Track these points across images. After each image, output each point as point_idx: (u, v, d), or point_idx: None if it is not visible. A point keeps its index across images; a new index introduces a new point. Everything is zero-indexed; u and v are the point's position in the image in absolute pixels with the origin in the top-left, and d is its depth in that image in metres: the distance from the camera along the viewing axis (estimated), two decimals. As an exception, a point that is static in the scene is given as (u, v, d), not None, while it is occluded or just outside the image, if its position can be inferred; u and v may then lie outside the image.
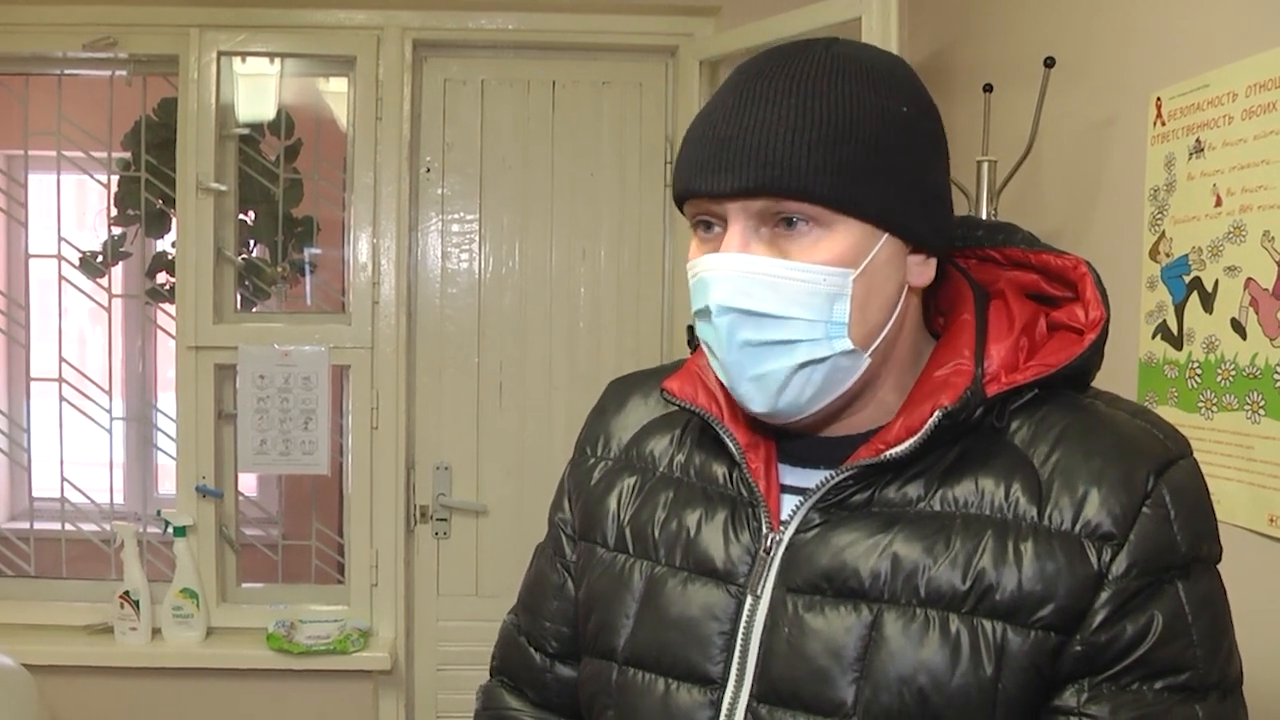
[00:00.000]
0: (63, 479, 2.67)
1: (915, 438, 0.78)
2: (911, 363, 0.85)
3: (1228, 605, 0.79)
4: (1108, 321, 0.82)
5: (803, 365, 0.78)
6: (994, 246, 0.88)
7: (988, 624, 0.75)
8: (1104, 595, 0.74)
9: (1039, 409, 0.80)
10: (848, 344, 0.78)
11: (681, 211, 0.83)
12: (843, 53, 0.79)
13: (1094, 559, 0.74)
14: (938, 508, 0.78)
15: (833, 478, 0.81)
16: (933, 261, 0.83)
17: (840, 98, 0.76)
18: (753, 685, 0.80)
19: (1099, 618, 0.74)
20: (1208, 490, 0.79)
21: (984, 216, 1.80)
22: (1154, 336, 1.53)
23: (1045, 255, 0.86)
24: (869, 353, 0.79)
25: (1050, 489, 0.76)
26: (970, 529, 0.77)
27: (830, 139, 0.74)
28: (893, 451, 0.79)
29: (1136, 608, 0.74)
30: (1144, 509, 0.74)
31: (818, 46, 0.80)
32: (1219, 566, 0.80)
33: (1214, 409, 1.40)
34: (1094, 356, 0.82)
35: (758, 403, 0.80)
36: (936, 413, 0.77)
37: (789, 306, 0.77)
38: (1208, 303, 1.41)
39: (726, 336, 0.78)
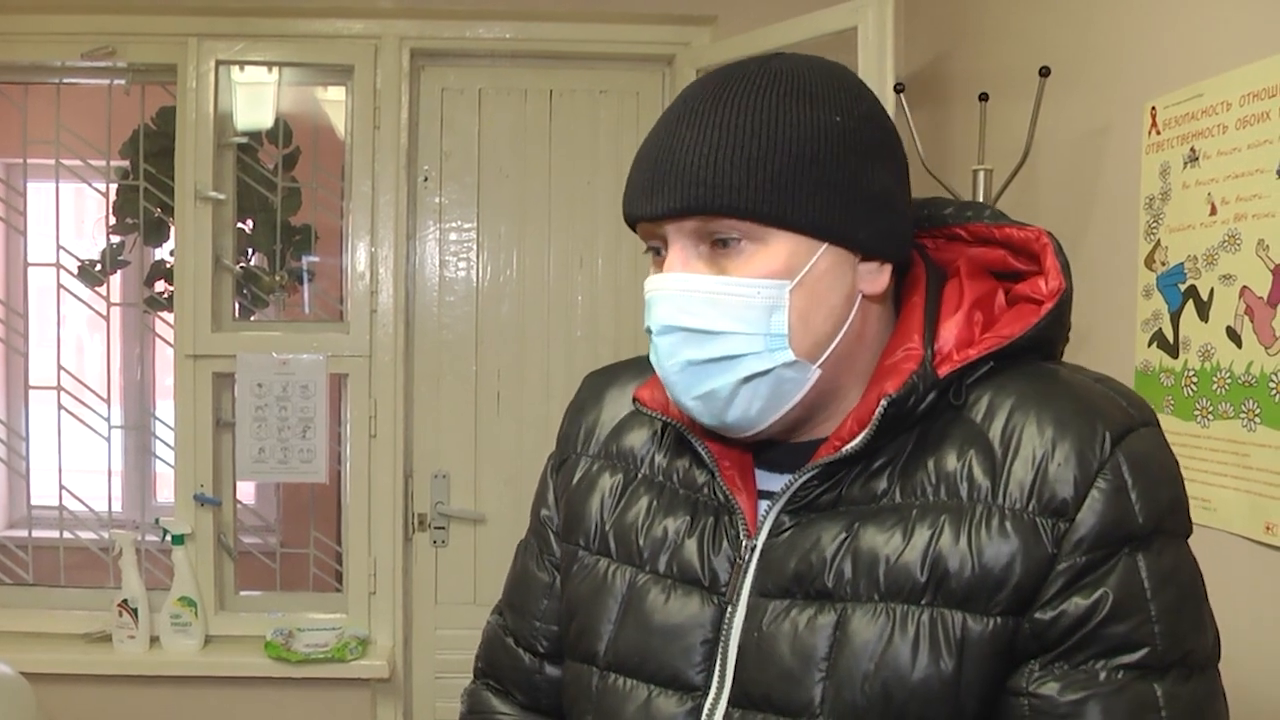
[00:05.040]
0: (61, 487, 2.66)
1: (865, 431, 0.78)
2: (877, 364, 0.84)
3: (1198, 580, 0.77)
4: (1068, 291, 0.81)
5: (746, 379, 0.78)
6: (960, 224, 0.88)
7: (948, 614, 0.75)
8: (1055, 570, 0.73)
9: (998, 379, 0.80)
10: (789, 355, 0.78)
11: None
12: (777, 68, 0.80)
13: (1047, 538, 0.73)
14: (899, 499, 0.79)
15: (795, 480, 0.81)
16: (887, 268, 0.82)
17: (766, 113, 0.76)
18: (730, 691, 0.81)
19: (1049, 593, 0.73)
20: (1174, 460, 0.78)
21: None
22: (1150, 345, 1.54)
23: (1009, 229, 0.85)
24: (818, 363, 0.79)
25: (1004, 461, 0.76)
26: (927, 517, 0.77)
27: (754, 155, 0.75)
28: (847, 447, 0.79)
29: (1089, 583, 0.73)
30: (1098, 481, 0.73)
31: (752, 65, 0.80)
32: (1196, 543, 0.78)
33: (1210, 417, 1.41)
34: (1053, 326, 0.81)
35: (706, 417, 0.81)
36: (882, 401, 0.77)
37: (726, 321, 0.77)
38: (1203, 311, 1.42)
39: (667, 356, 0.80)
